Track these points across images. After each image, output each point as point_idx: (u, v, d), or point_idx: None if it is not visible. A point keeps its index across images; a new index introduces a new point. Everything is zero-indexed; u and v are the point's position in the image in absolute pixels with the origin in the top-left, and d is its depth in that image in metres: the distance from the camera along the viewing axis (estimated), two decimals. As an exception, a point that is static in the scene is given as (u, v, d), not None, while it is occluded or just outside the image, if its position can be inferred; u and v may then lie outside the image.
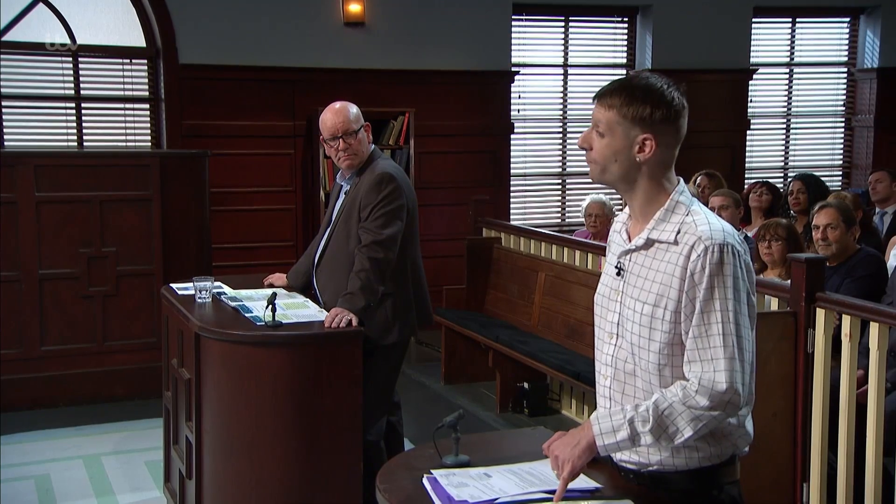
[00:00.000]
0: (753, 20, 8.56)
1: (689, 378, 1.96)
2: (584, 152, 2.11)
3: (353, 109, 3.88)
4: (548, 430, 2.34)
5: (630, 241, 2.10)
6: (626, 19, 8.34)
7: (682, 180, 2.10)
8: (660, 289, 2.00)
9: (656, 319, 2.00)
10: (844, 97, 9.23)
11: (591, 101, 2.09)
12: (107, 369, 5.81)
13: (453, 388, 6.12)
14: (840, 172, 9.29)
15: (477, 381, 6.17)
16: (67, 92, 6.86)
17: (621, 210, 2.23)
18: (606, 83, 2.08)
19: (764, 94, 8.89)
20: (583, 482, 2.04)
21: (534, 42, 8.09)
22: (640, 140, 2.01)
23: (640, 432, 1.95)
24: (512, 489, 1.99)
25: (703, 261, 1.94)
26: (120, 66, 6.95)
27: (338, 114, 3.83)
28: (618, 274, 2.11)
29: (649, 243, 2.04)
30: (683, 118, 2.06)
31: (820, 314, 3.70)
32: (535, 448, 2.21)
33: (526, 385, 5.54)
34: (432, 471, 2.09)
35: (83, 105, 6.91)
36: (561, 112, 8.23)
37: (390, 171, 3.81)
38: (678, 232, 2.00)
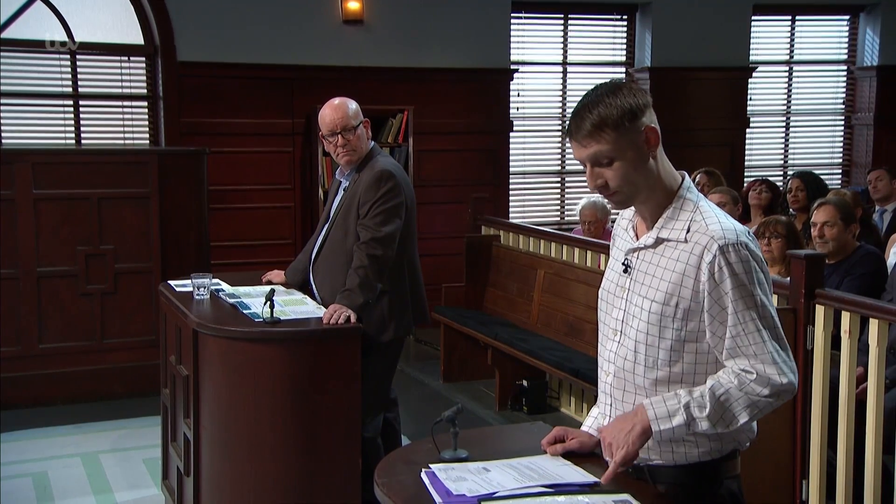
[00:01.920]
0: (753, 18, 8.55)
1: (738, 366, 1.96)
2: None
3: (353, 105, 3.87)
4: (546, 425, 2.34)
5: (637, 238, 2.09)
6: (625, 17, 8.33)
7: (686, 176, 2.08)
8: (669, 287, 1.99)
9: (666, 317, 1.99)
10: (844, 95, 9.23)
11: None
12: (105, 367, 5.80)
13: (452, 387, 6.12)
14: (840, 170, 9.29)
15: (476, 379, 6.16)
16: (65, 89, 6.85)
17: (617, 211, 2.21)
18: (572, 119, 2.01)
19: (763, 91, 8.88)
20: (581, 476, 2.03)
21: (533, 40, 8.08)
22: (643, 137, 1.98)
23: (696, 417, 1.95)
24: (510, 483, 1.98)
25: (721, 261, 1.94)
26: (118, 64, 6.94)
27: (337, 109, 3.82)
28: (625, 271, 2.09)
29: (658, 242, 2.03)
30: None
31: (819, 311, 3.69)
32: (534, 443, 2.20)
33: (525, 383, 5.53)
34: (431, 465, 2.08)
35: (81, 103, 6.90)
36: (560, 110, 8.22)
37: (390, 169, 3.80)
38: (688, 230, 1.99)
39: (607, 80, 2.04)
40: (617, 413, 2.09)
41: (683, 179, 2.06)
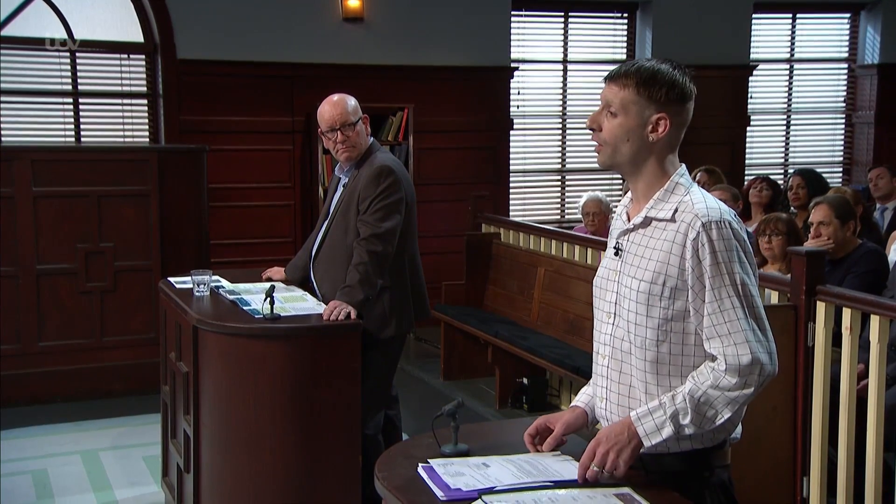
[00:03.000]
0: (754, 16, 8.55)
1: (714, 354, 1.97)
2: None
3: (351, 101, 3.86)
4: (545, 421, 2.32)
5: (629, 221, 2.11)
6: (625, 15, 8.33)
7: (684, 165, 2.11)
8: (657, 266, 2.01)
9: (654, 296, 2.01)
10: (845, 93, 9.22)
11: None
12: (105, 365, 5.80)
13: (452, 384, 6.11)
14: (840, 168, 9.28)
15: (476, 377, 6.16)
16: (65, 87, 6.84)
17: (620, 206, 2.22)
18: (616, 66, 2.07)
19: (764, 90, 8.88)
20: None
21: (533, 38, 8.08)
22: (654, 119, 2.02)
23: (682, 424, 1.97)
24: (509, 479, 1.97)
25: (703, 237, 1.96)
26: (118, 62, 6.93)
27: (335, 106, 3.81)
28: (616, 254, 2.12)
29: (647, 222, 2.06)
30: (692, 101, 2.08)
31: (820, 307, 3.69)
32: (534, 438, 2.19)
33: (525, 380, 5.53)
34: (429, 460, 2.08)
35: (81, 100, 6.89)
36: (560, 108, 8.20)
37: (389, 164, 3.79)
38: (675, 210, 2.02)
39: (676, 63, 2.07)
40: (612, 395, 2.10)
41: (680, 167, 2.10)
